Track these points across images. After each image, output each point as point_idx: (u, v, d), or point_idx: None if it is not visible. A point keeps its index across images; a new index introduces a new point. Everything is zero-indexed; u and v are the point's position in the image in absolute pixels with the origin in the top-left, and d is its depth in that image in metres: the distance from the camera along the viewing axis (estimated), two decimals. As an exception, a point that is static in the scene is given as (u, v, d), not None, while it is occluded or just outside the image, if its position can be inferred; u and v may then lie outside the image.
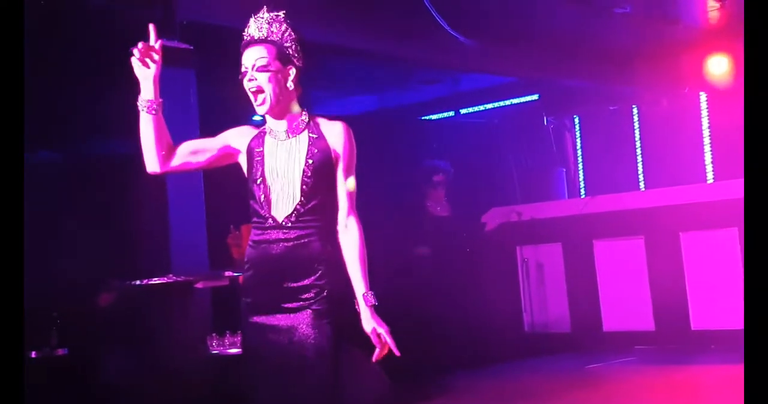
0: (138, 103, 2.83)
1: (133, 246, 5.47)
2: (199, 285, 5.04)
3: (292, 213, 2.74)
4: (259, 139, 2.85)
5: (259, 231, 2.79)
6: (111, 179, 6.66)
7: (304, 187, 2.74)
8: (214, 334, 5.28)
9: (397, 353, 2.69)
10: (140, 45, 2.76)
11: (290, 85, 2.79)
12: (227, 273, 5.16)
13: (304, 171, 2.75)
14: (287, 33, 2.80)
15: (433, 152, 8.49)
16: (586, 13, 7.57)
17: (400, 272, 7.48)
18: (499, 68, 8.64)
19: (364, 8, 6.74)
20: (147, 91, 2.81)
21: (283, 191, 2.76)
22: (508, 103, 10.20)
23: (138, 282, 4.94)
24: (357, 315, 2.73)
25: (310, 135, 2.79)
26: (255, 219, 2.81)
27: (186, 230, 5.18)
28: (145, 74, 2.80)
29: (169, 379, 4.91)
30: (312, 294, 2.71)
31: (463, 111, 10.52)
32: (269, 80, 2.76)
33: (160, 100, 2.81)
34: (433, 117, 10.67)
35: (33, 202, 7.20)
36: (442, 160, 8.13)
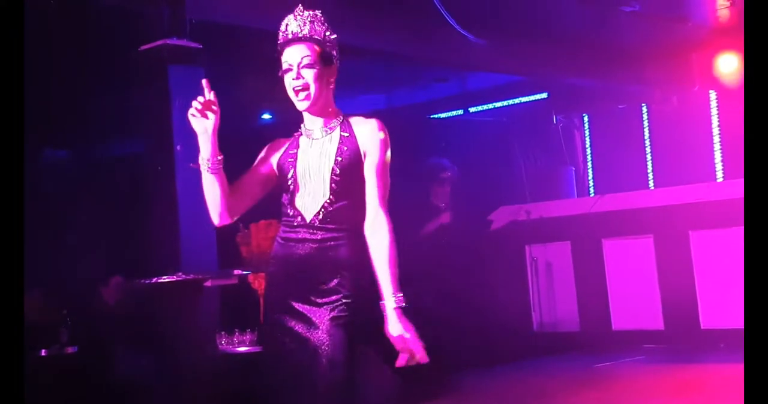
0: (199, 162, 2.73)
1: (142, 244, 5.48)
2: (208, 284, 5.05)
3: (320, 211, 2.72)
4: (293, 142, 2.85)
5: (287, 229, 2.77)
6: (122, 178, 6.69)
7: (333, 185, 2.72)
8: (223, 332, 5.29)
9: (424, 360, 2.64)
10: (199, 99, 2.68)
11: (330, 85, 2.80)
12: (236, 272, 5.18)
13: (333, 169, 2.73)
14: (328, 32, 2.80)
15: (442, 150, 8.49)
16: (595, 12, 7.55)
17: (408, 270, 7.48)
18: (509, 67, 8.63)
19: (374, 7, 6.74)
20: (206, 148, 2.70)
21: (313, 189, 2.75)
22: (517, 101, 10.19)
23: (148, 280, 4.96)
24: (376, 318, 2.70)
25: (342, 134, 2.76)
26: (284, 217, 2.79)
27: (195, 229, 5.19)
28: (205, 126, 2.69)
29: (178, 377, 4.93)
30: (332, 299, 2.68)
31: (472, 109, 10.51)
32: (315, 79, 2.74)
33: (221, 156, 2.71)
34: (443, 115, 10.67)
35: (46, 201, 7.28)
36: (447, 158, 8.13)
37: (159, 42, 5.26)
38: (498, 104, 10.30)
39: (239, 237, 5.47)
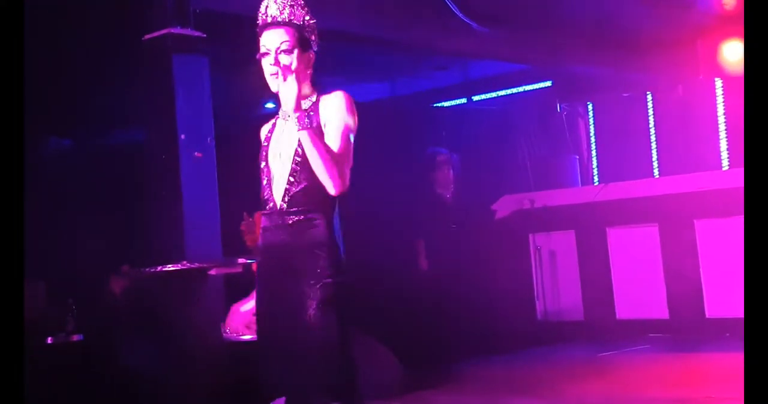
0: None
1: (147, 233, 5.49)
2: (212, 272, 5.06)
3: (284, 195, 2.72)
4: (272, 127, 2.86)
5: (265, 218, 2.80)
6: (126, 167, 6.69)
7: (294, 165, 2.70)
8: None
9: None
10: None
11: (309, 69, 2.79)
12: (240, 260, 5.18)
13: (295, 150, 2.72)
14: (307, 17, 2.79)
15: (444, 139, 8.48)
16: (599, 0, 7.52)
17: (411, 260, 7.49)
18: (512, 55, 8.60)
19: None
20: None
21: (280, 174, 2.75)
22: (521, 89, 10.17)
23: (152, 269, 4.97)
24: (367, 298, 2.71)
25: (309, 112, 2.73)
26: (263, 205, 2.82)
27: (200, 217, 5.19)
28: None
29: (183, 365, 4.94)
30: (314, 280, 2.67)
31: (475, 98, 10.50)
32: (291, 64, 2.73)
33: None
34: (446, 104, 10.65)
35: (50, 190, 7.28)
36: (450, 147, 8.13)
37: (163, 31, 5.24)
38: (502, 93, 10.29)
39: (244, 225, 5.47)
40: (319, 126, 2.70)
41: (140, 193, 5.59)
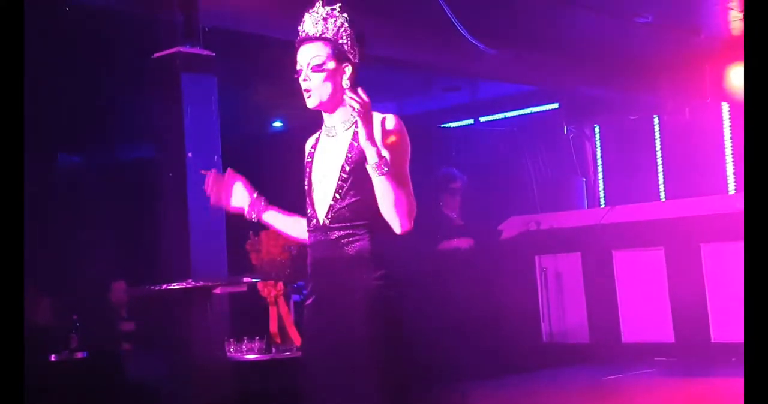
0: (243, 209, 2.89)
1: (152, 250, 5.49)
2: (217, 291, 5.05)
3: (328, 211, 2.70)
4: (315, 142, 2.84)
5: (310, 235, 2.76)
6: (133, 185, 6.71)
7: (340, 182, 2.69)
8: (232, 340, 5.29)
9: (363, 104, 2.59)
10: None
11: (346, 83, 2.73)
12: (246, 279, 5.17)
13: (342, 167, 2.70)
14: (343, 29, 2.75)
15: (452, 160, 8.49)
16: (607, 22, 7.54)
17: (416, 280, 7.46)
18: (520, 77, 8.63)
19: (386, 15, 6.75)
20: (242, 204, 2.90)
21: (324, 189, 2.73)
22: (528, 111, 10.18)
23: (157, 286, 4.97)
24: (401, 314, 2.68)
25: (356, 130, 2.71)
26: (307, 222, 2.78)
27: (205, 235, 5.20)
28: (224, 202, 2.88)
29: (187, 384, 4.93)
30: (359, 296, 2.64)
31: (482, 119, 10.51)
32: (324, 80, 2.71)
33: (257, 198, 2.87)
34: (453, 124, 10.67)
35: (58, 206, 7.30)
36: (458, 167, 8.12)
37: (172, 49, 5.28)
38: (509, 114, 10.29)
39: (249, 244, 5.47)
40: (384, 160, 2.65)
41: (147, 211, 5.60)
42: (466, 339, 7.27)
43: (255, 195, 2.88)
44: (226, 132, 5.36)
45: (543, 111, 10.12)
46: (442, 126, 10.56)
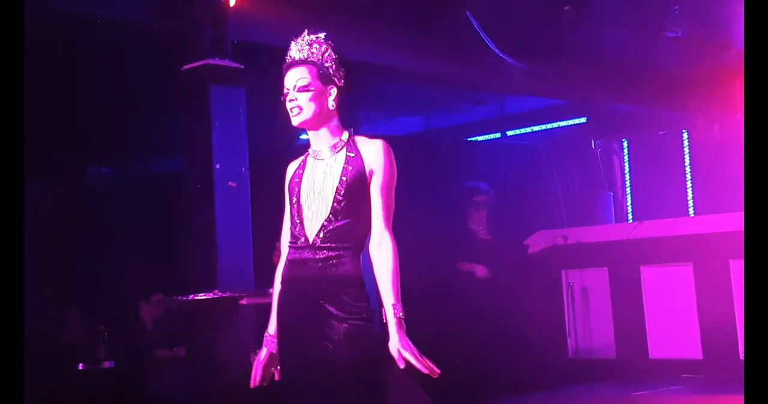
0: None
1: (180, 261, 5.53)
2: (244, 302, 5.07)
3: (320, 231, 2.75)
4: (301, 163, 2.89)
5: (293, 251, 2.82)
6: (161, 196, 6.76)
7: (335, 204, 2.75)
8: (258, 351, 5.30)
9: (433, 373, 2.62)
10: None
11: (331, 104, 2.83)
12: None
13: (337, 189, 2.76)
14: (327, 53, 2.85)
15: (478, 174, 8.47)
16: (636, 37, 7.52)
17: (442, 295, 7.45)
18: (548, 91, 8.62)
19: (413, 30, 6.78)
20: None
21: (316, 210, 2.78)
22: (555, 125, 10.15)
23: (184, 297, 5.00)
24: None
25: (348, 154, 2.80)
26: (291, 239, 2.85)
27: (232, 247, 5.22)
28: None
29: (213, 394, 4.94)
30: (345, 316, 2.68)
31: (509, 133, 10.49)
32: (310, 100, 2.80)
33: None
34: (480, 138, 10.66)
35: (88, 219, 7.36)
36: (483, 181, 8.10)
37: (201, 62, 5.33)
38: (536, 128, 10.27)
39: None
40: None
41: (175, 222, 5.65)
42: (492, 355, 7.23)
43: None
44: (254, 144, 5.41)
45: (570, 125, 10.09)
46: (468, 140, 10.56)
